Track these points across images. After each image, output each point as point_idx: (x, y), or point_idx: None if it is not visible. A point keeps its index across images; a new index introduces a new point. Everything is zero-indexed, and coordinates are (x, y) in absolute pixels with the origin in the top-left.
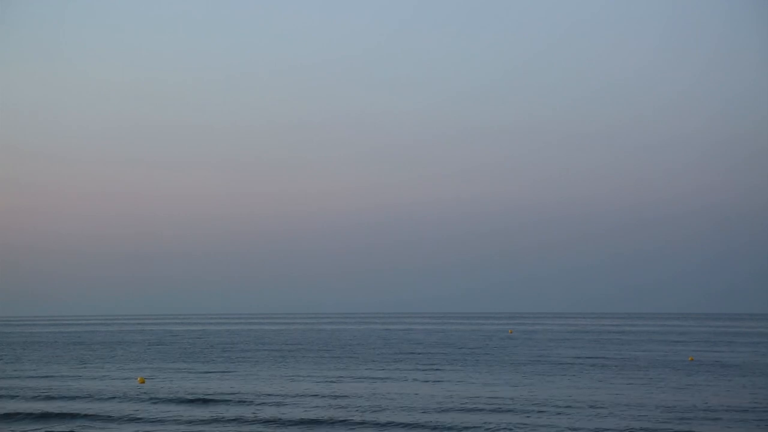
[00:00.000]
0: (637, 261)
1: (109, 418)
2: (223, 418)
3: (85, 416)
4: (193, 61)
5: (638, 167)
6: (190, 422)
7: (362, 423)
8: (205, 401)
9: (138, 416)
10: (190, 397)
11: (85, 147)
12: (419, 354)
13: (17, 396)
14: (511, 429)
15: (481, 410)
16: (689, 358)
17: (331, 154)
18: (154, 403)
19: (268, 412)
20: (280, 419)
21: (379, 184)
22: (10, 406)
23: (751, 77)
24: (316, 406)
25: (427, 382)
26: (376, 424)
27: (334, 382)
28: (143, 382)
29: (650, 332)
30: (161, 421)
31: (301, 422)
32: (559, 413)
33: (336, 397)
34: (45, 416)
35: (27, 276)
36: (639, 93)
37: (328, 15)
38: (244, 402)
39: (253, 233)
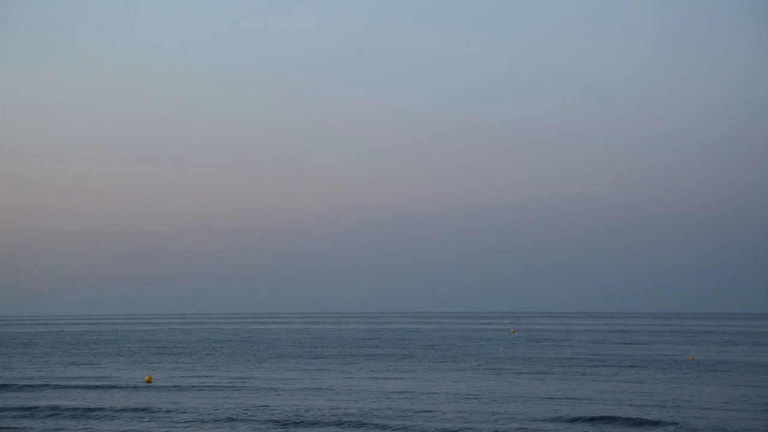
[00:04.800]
0: (637, 260)
1: (117, 415)
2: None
3: (94, 413)
4: (193, 58)
5: (634, 165)
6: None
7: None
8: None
9: (145, 414)
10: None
11: (85, 145)
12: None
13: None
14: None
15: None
16: (690, 357)
17: (329, 150)
18: (161, 400)
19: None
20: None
21: (378, 183)
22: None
23: (744, 74)
24: (312, 405)
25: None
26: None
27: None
28: (150, 381)
29: (651, 331)
30: (166, 419)
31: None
32: (564, 412)
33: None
34: (55, 413)
35: (27, 276)
36: (634, 90)
37: (324, 13)
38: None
39: (252, 233)
